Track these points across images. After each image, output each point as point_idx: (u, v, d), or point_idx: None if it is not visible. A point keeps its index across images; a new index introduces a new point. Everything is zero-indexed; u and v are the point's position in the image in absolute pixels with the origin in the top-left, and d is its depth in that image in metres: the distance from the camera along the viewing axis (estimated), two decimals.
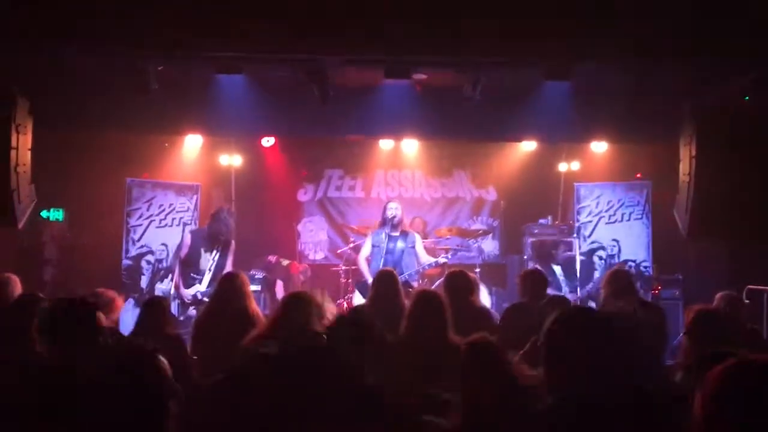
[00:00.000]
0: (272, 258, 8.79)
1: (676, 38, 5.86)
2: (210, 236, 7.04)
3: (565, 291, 7.77)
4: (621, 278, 5.20)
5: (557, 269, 8.19)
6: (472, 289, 4.99)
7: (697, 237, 6.77)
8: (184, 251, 7.06)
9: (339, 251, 9.40)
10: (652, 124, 7.34)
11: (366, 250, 7.53)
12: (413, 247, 7.39)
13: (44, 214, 8.16)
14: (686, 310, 4.46)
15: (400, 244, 7.28)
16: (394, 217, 7.30)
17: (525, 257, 8.85)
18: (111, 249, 8.46)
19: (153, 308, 4.61)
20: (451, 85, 7.18)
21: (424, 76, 7.29)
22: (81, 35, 5.71)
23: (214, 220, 7.09)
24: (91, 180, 8.34)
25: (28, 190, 6.19)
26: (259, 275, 8.38)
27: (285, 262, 8.88)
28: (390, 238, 7.24)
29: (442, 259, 7.62)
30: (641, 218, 8.60)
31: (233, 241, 7.14)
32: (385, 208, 7.48)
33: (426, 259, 7.45)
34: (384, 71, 6.67)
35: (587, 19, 5.88)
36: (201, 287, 6.93)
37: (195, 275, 6.98)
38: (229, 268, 7.05)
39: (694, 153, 6.23)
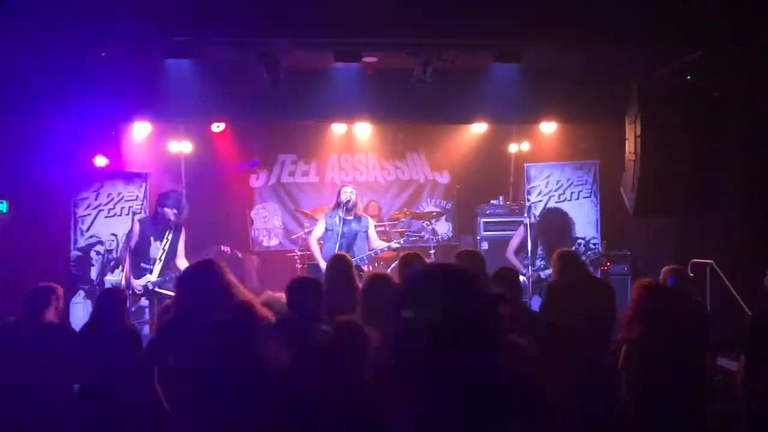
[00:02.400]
0: (226, 249, 8.59)
1: (622, 20, 5.98)
2: (159, 220, 6.90)
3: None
4: (568, 260, 5.32)
5: None
6: None
7: (643, 214, 6.96)
8: (134, 241, 6.92)
9: (294, 237, 9.34)
10: (599, 104, 7.48)
11: (318, 231, 7.35)
12: (366, 231, 7.35)
13: None
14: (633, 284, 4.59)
15: (354, 227, 7.23)
16: (349, 201, 7.19)
17: (478, 237, 8.97)
18: (58, 240, 8.23)
19: (111, 299, 4.53)
20: (401, 67, 7.18)
21: (374, 59, 7.27)
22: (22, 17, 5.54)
23: (164, 201, 6.91)
24: (36, 170, 8.07)
25: None
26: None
27: (239, 254, 8.71)
28: (344, 221, 7.19)
29: (395, 244, 7.64)
30: (590, 196, 8.77)
31: (183, 228, 7.01)
32: (339, 192, 7.36)
33: (378, 243, 7.42)
34: (334, 54, 6.63)
35: (536, 0, 5.96)
36: (152, 277, 6.80)
37: (145, 265, 6.84)
38: (180, 256, 6.95)
39: (638, 132, 6.39)
